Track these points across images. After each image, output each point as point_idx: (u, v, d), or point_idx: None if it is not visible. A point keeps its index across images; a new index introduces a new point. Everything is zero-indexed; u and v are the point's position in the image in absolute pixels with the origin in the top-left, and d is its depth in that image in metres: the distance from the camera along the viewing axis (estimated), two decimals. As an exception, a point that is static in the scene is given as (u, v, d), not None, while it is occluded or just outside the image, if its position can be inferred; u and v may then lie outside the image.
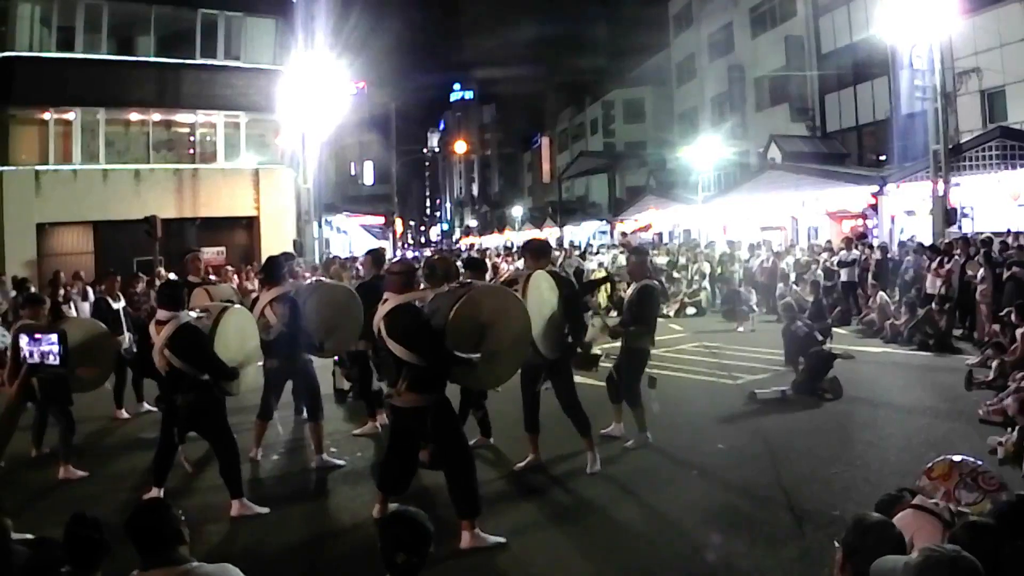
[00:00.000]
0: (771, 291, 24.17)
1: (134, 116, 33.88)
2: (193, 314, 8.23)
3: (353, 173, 73.94)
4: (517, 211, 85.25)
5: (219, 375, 7.97)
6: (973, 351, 16.33)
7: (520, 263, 29.60)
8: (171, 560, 3.82)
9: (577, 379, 9.37)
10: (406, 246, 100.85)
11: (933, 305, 18.15)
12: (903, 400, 12.75)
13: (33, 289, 14.54)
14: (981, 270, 17.72)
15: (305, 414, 11.33)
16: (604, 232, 55.89)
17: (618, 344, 10.59)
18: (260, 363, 9.80)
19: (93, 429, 12.08)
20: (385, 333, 7.01)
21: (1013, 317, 13.70)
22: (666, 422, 10.86)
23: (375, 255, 12.46)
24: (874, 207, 29.84)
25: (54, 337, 9.01)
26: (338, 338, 10.66)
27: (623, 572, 6.66)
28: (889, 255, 23.38)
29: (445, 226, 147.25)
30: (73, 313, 16.42)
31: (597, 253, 35.01)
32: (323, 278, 13.42)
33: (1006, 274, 17.07)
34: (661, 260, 29.63)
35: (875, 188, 29.39)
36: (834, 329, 17.53)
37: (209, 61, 34.05)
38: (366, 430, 11.21)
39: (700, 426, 11.32)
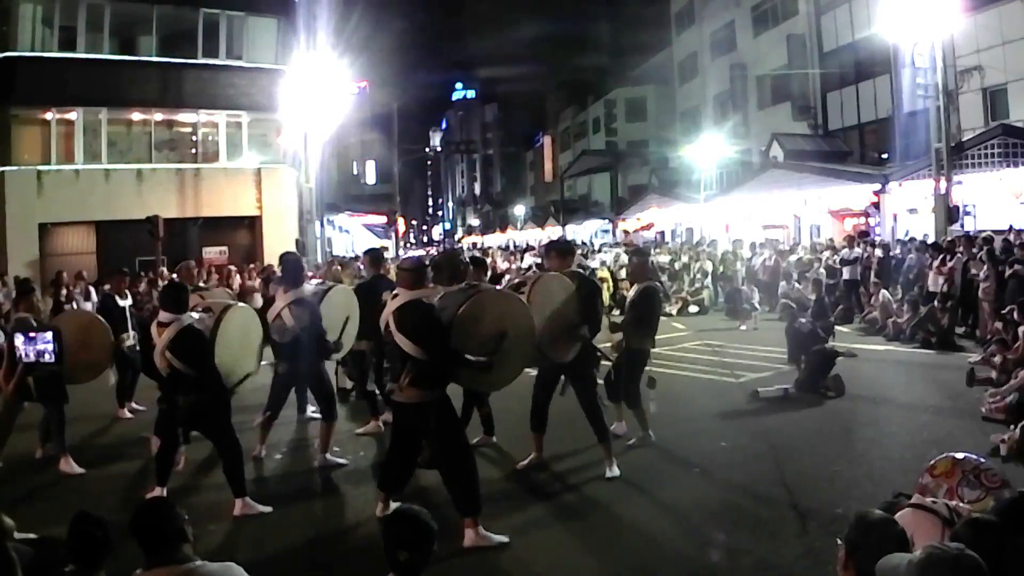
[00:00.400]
0: (773, 289, 24.17)
1: (136, 116, 33.88)
2: (195, 315, 8.24)
3: (355, 172, 74.00)
4: (519, 210, 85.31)
5: (213, 383, 7.97)
6: (975, 349, 16.31)
7: (523, 262, 29.77)
8: (174, 559, 3.82)
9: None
10: (409, 245, 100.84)
11: (935, 303, 18.14)
12: (905, 398, 12.76)
13: (37, 296, 14.61)
14: (983, 268, 17.72)
15: (309, 413, 11.39)
16: (606, 231, 55.96)
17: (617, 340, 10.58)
18: (265, 362, 9.82)
19: (95, 428, 12.09)
20: (394, 327, 7.00)
21: (1016, 315, 13.69)
22: (668, 420, 10.86)
23: (373, 255, 12.43)
24: (876, 205, 29.85)
25: (49, 335, 9.09)
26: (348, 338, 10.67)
27: (626, 570, 6.66)
28: (891, 253, 23.38)
29: (447, 225, 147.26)
30: (74, 312, 16.44)
31: (599, 251, 35.00)
32: (324, 280, 13.41)
33: (1008, 272, 17.06)
34: (663, 259, 29.65)
35: (877, 186, 29.39)
36: (836, 327, 17.51)
37: (211, 61, 34.04)
38: (369, 429, 11.21)
39: (702, 424, 11.32)
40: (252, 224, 35.73)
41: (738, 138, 45.52)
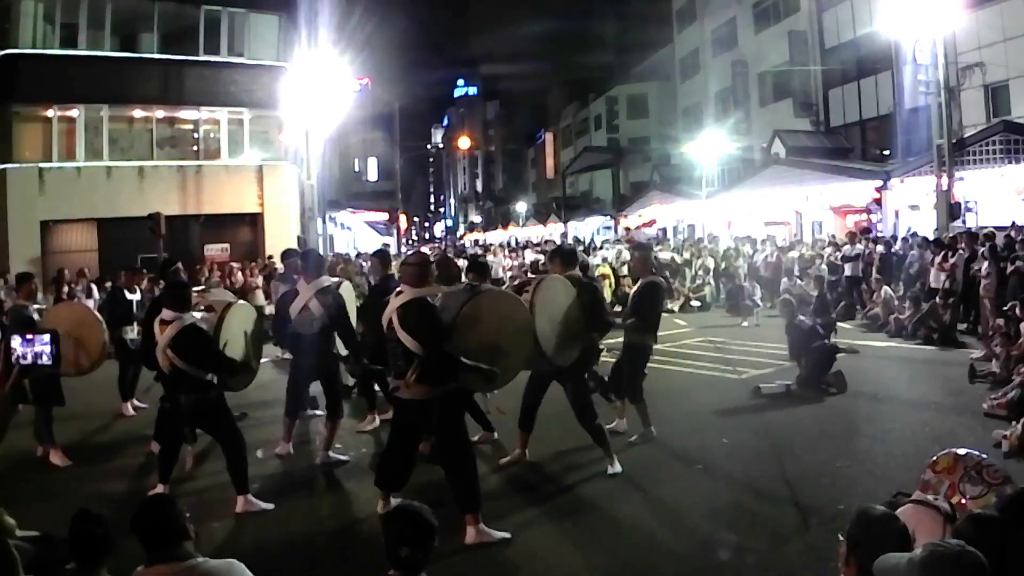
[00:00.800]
0: (775, 286, 24.16)
1: (138, 113, 33.82)
2: (197, 314, 8.24)
3: (357, 169, 74.04)
4: (521, 207, 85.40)
5: (225, 372, 7.99)
6: (977, 345, 16.33)
7: (525, 259, 29.78)
8: (176, 556, 3.83)
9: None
10: (411, 242, 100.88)
11: (937, 299, 18.13)
12: (907, 394, 12.76)
13: (36, 285, 14.56)
14: (985, 264, 17.71)
15: (310, 411, 11.39)
16: (608, 228, 55.92)
17: (619, 339, 10.59)
18: (265, 359, 9.83)
19: (97, 425, 12.10)
20: (398, 324, 7.02)
21: (1018, 311, 13.69)
22: (670, 417, 10.88)
23: (383, 257, 12.42)
24: (878, 202, 29.84)
25: (47, 337, 9.07)
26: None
27: (627, 567, 6.66)
28: (893, 250, 23.38)
29: (449, 222, 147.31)
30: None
31: (601, 248, 34.99)
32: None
33: (1010, 268, 17.05)
34: (665, 255, 29.64)
35: (879, 183, 29.39)
36: (838, 324, 17.52)
37: (213, 58, 33.98)
38: (365, 426, 11.24)
39: (704, 421, 11.33)
40: (254, 221, 35.70)
41: (740, 135, 45.49)
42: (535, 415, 9.37)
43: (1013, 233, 19.95)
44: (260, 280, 22.91)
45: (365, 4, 44.34)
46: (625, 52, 76.54)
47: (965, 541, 3.08)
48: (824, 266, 23.40)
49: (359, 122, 57.40)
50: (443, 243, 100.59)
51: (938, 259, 19.35)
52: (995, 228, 20.59)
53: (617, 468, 8.84)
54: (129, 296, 13.41)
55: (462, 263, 15.85)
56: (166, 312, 7.93)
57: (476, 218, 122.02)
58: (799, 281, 23.59)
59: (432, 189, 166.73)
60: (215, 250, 33.81)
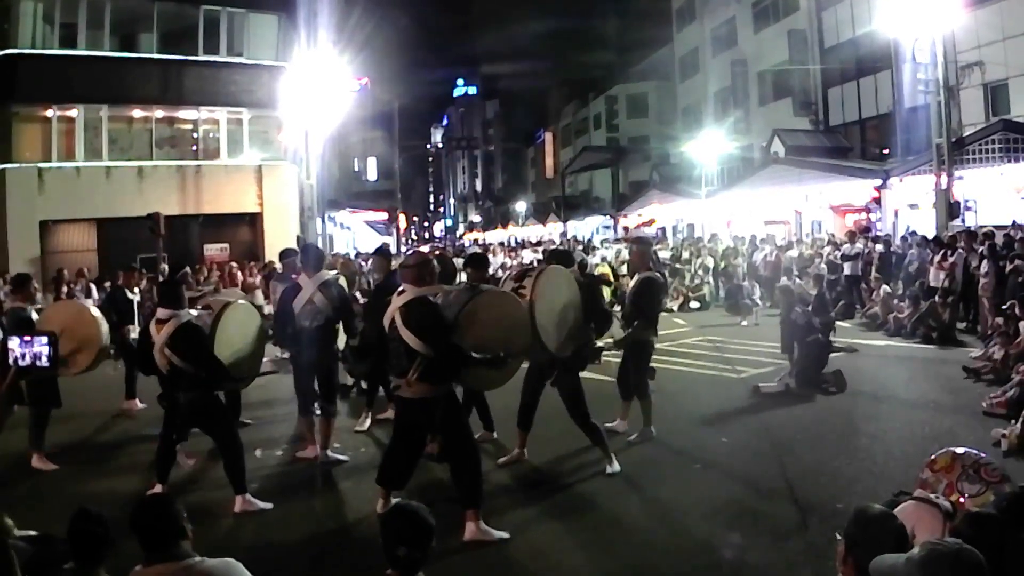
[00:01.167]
0: (774, 285, 24.14)
1: (137, 113, 33.86)
2: (194, 312, 8.24)
3: (356, 169, 74.02)
4: (521, 206, 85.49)
5: (217, 376, 7.97)
6: (976, 344, 16.33)
7: (523, 258, 29.79)
8: (174, 555, 3.83)
9: (581, 374, 9.37)
10: (410, 241, 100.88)
11: (936, 298, 18.12)
12: (906, 393, 12.77)
13: (36, 286, 14.55)
14: (984, 263, 17.71)
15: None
16: (608, 227, 55.93)
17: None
18: (265, 358, 9.82)
19: (97, 424, 12.10)
20: (400, 323, 7.03)
21: (1016, 310, 13.70)
22: (669, 416, 10.88)
23: (386, 254, 12.45)
24: (877, 201, 29.83)
25: (45, 339, 9.06)
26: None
27: (626, 565, 6.66)
28: (892, 248, 23.38)
29: (449, 222, 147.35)
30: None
31: (601, 246, 34.99)
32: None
33: (1009, 267, 17.05)
34: (664, 254, 29.66)
35: (878, 182, 29.39)
36: (838, 323, 17.52)
37: (212, 58, 34.02)
38: (362, 425, 11.25)
39: (703, 420, 11.33)
40: (253, 221, 35.73)
41: (739, 134, 45.48)
42: (533, 414, 9.38)
43: (1012, 232, 19.95)
44: (259, 280, 22.90)
45: (364, 4, 44.40)
46: (625, 51, 76.57)
47: (963, 540, 3.08)
48: (823, 265, 23.39)
49: (358, 122, 57.37)
50: (443, 242, 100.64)
51: (937, 258, 19.34)
52: (995, 227, 20.59)
53: (616, 467, 8.85)
54: (130, 295, 13.45)
55: (462, 263, 15.83)
56: (161, 311, 7.93)
57: (476, 217, 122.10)
58: (798, 280, 23.58)
59: (432, 188, 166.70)
60: (214, 250, 33.85)
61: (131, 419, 12.36)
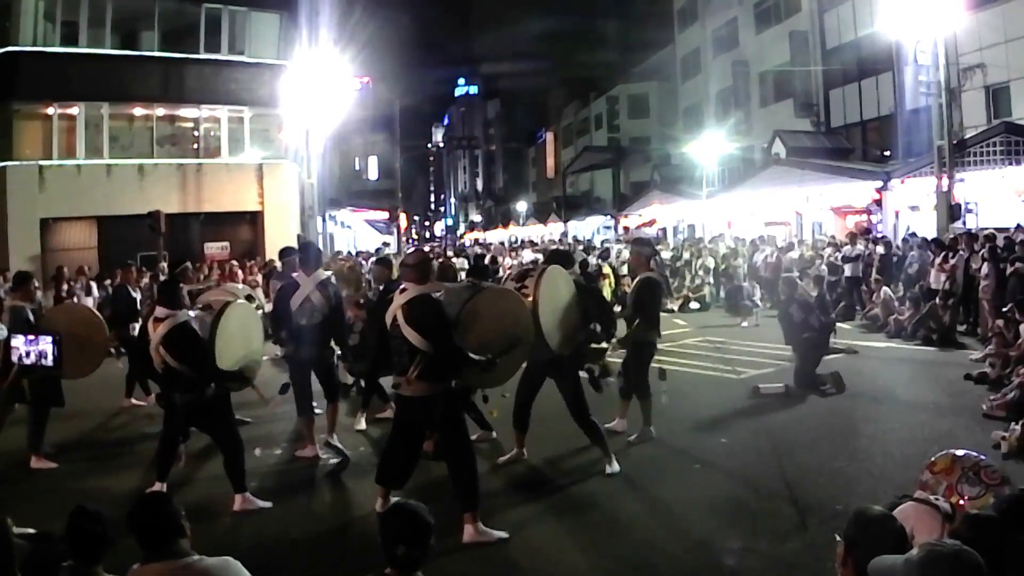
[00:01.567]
0: (775, 286, 24.11)
1: (138, 111, 33.85)
2: (193, 312, 8.24)
3: (357, 168, 73.93)
4: (521, 206, 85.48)
5: (211, 379, 7.96)
6: (977, 346, 16.33)
7: (524, 258, 29.81)
8: (172, 554, 3.83)
9: (582, 373, 9.37)
10: (410, 240, 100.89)
11: (937, 300, 18.11)
12: (906, 395, 12.76)
13: (37, 284, 14.53)
14: (984, 266, 17.70)
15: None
16: (608, 227, 55.93)
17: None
18: (265, 357, 9.83)
19: (97, 422, 12.11)
20: (402, 320, 7.04)
21: (1016, 313, 13.70)
22: (669, 416, 10.87)
23: (387, 263, 12.54)
24: (878, 202, 29.81)
25: (50, 338, 9.07)
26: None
27: (625, 566, 6.66)
28: (893, 250, 23.38)
29: (449, 221, 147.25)
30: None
31: (602, 249, 34.96)
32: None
33: (1009, 270, 17.04)
34: (665, 255, 29.66)
35: (879, 183, 29.34)
36: (838, 324, 17.51)
37: (213, 56, 34.00)
38: (358, 423, 11.26)
39: (703, 420, 11.33)
40: (254, 220, 35.73)
41: (740, 135, 45.42)
42: (529, 414, 9.37)
43: (1013, 235, 19.92)
44: (260, 278, 22.89)
45: (366, 3, 44.34)
46: (626, 52, 76.52)
47: (962, 542, 3.08)
48: (824, 266, 23.37)
49: (360, 121, 57.30)
50: (443, 242, 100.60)
51: (938, 260, 19.33)
52: (996, 229, 20.57)
53: (615, 467, 8.85)
54: (133, 293, 13.49)
55: (462, 262, 15.84)
56: (159, 310, 7.94)
57: (476, 217, 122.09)
58: (799, 281, 23.56)
59: (432, 188, 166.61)
60: (215, 248, 33.84)
61: (130, 417, 12.37)
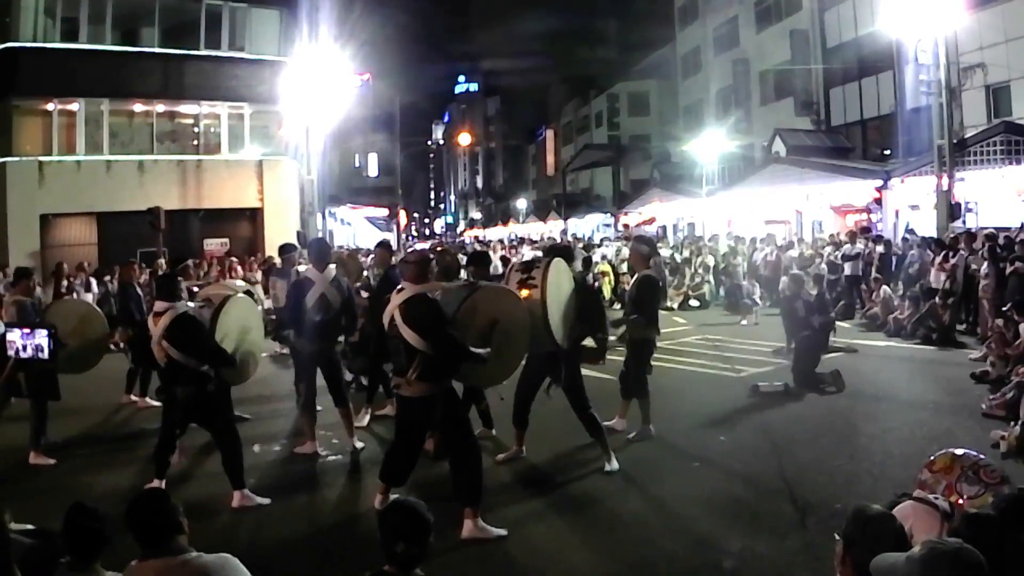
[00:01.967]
0: (775, 285, 24.12)
1: (138, 107, 33.83)
2: (192, 304, 8.23)
3: (357, 165, 74.01)
4: (521, 203, 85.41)
5: (219, 363, 7.97)
6: (976, 345, 16.32)
7: (523, 255, 29.81)
8: (170, 550, 3.82)
9: (584, 372, 9.37)
10: (411, 238, 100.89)
11: (937, 299, 18.11)
12: (906, 394, 12.75)
13: (37, 280, 14.59)
14: (984, 265, 17.69)
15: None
16: (608, 225, 55.91)
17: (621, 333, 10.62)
18: (264, 354, 9.82)
19: (95, 420, 12.09)
20: (400, 320, 7.03)
21: (1014, 314, 13.70)
22: (668, 414, 10.87)
23: (387, 247, 12.56)
24: (878, 201, 29.80)
25: (46, 331, 9.08)
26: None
27: (624, 564, 6.66)
28: (893, 249, 23.38)
29: (449, 218, 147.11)
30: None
31: (600, 245, 34.96)
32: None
33: (1009, 269, 17.03)
34: (665, 252, 29.65)
35: (879, 182, 29.34)
36: (837, 323, 17.50)
37: (213, 52, 33.98)
38: (360, 420, 11.24)
39: (702, 418, 11.31)
40: (254, 216, 35.74)
41: (740, 133, 45.42)
42: (529, 411, 9.37)
43: (1012, 234, 19.91)
44: (259, 275, 22.89)
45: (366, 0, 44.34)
46: (626, 49, 76.50)
47: (962, 540, 3.07)
48: (824, 265, 23.37)
49: (360, 118, 57.31)
50: (443, 239, 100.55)
51: (938, 259, 19.32)
52: (997, 229, 20.57)
53: (615, 465, 8.85)
54: (138, 289, 13.50)
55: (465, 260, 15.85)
56: (158, 304, 7.94)
57: (476, 214, 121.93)
58: (805, 277, 23.56)
59: (432, 185, 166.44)
60: (214, 245, 33.86)
61: (130, 415, 12.38)
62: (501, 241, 47.34)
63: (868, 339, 18.18)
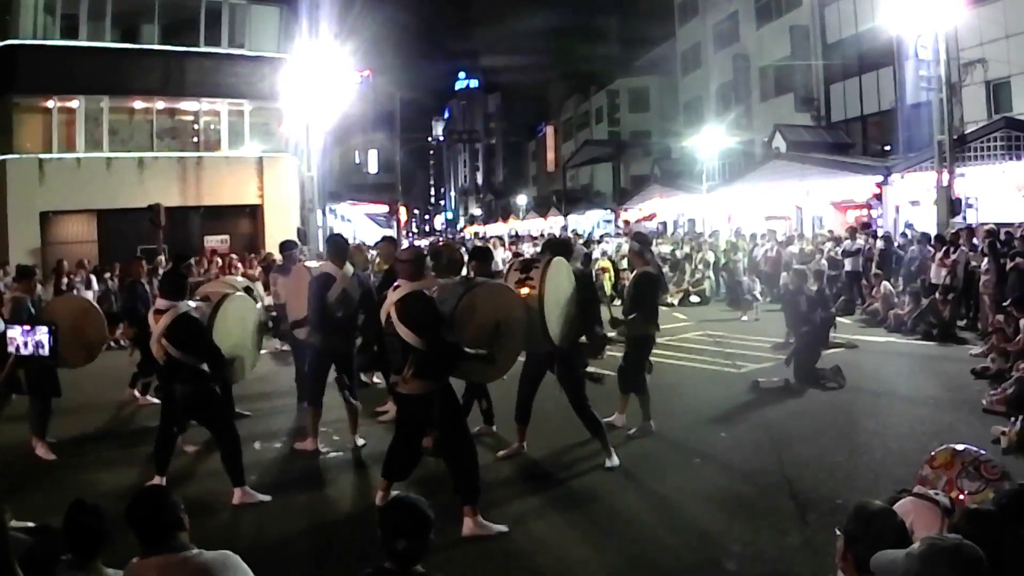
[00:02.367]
0: (775, 280, 24.13)
1: (138, 104, 33.82)
2: (192, 303, 8.23)
3: (357, 161, 73.93)
4: (522, 200, 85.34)
5: (216, 364, 7.97)
6: (976, 341, 16.32)
7: (524, 252, 29.81)
8: (171, 547, 3.82)
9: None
10: (411, 234, 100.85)
11: (937, 295, 18.11)
12: (906, 389, 12.75)
13: (39, 277, 14.63)
14: (984, 260, 17.69)
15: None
16: (608, 221, 55.93)
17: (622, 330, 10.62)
18: (264, 351, 9.82)
19: (96, 417, 12.08)
20: (396, 318, 7.02)
21: (1014, 310, 13.70)
22: (669, 410, 10.88)
23: (393, 240, 12.60)
24: (879, 197, 29.80)
25: (46, 328, 9.09)
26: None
27: (625, 560, 6.66)
28: (893, 245, 23.38)
29: (449, 215, 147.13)
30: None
31: (600, 242, 34.95)
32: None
33: (1009, 265, 17.02)
34: (665, 248, 29.65)
35: (880, 178, 29.35)
36: (838, 319, 17.50)
37: (213, 49, 33.98)
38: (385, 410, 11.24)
39: (703, 414, 11.32)
40: (254, 213, 35.74)
41: (741, 129, 45.42)
42: (530, 407, 9.38)
43: (1013, 229, 19.89)
44: (259, 271, 22.88)
45: (366, -4, 44.28)
46: (626, 46, 76.48)
47: (963, 536, 3.08)
48: (824, 261, 23.36)
49: (360, 114, 57.27)
50: (443, 235, 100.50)
51: (939, 255, 19.31)
52: (997, 224, 20.54)
53: (615, 461, 8.86)
54: (148, 287, 13.51)
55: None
56: (160, 302, 7.94)
57: (476, 211, 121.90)
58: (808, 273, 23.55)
59: (432, 181, 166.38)
60: (215, 241, 33.85)
61: (132, 412, 12.39)
62: (500, 238, 47.29)
63: (868, 335, 18.17)
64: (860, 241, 23.68)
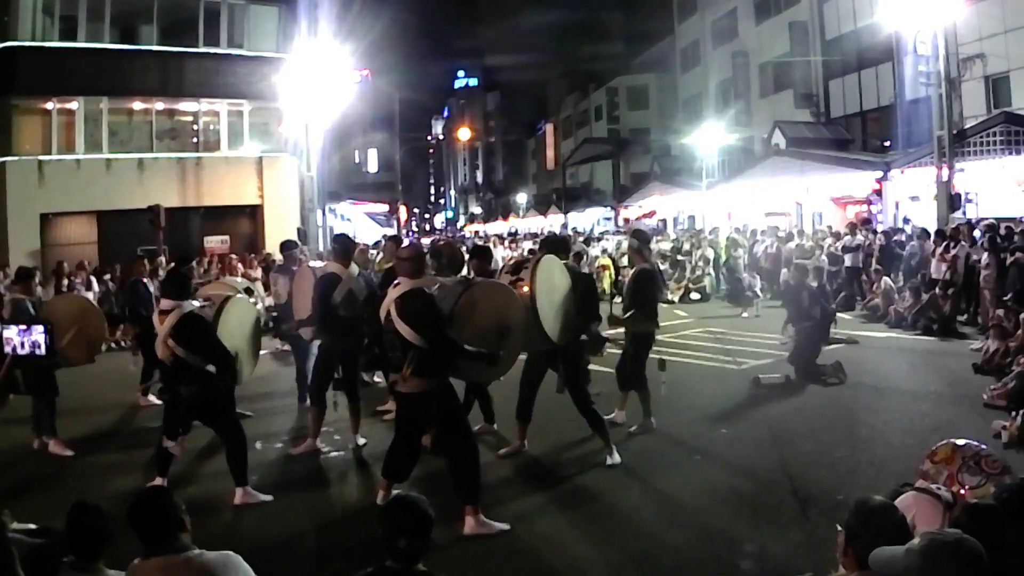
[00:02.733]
0: (776, 277, 24.12)
1: (137, 105, 33.83)
2: (196, 303, 8.23)
3: (357, 161, 73.96)
4: (521, 198, 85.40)
5: (224, 364, 7.97)
6: (977, 336, 16.32)
7: (524, 250, 29.85)
8: (173, 548, 3.82)
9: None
10: (411, 233, 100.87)
11: (937, 290, 18.11)
12: (907, 384, 12.75)
13: (38, 279, 14.58)
14: (985, 255, 17.69)
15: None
16: (608, 219, 55.94)
17: (623, 329, 10.61)
18: (264, 351, 9.82)
19: (97, 418, 12.07)
20: (396, 315, 7.02)
21: (1014, 304, 13.70)
22: (670, 407, 10.86)
23: (398, 240, 12.62)
24: (878, 193, 29.80)
25: (42, 328, 9.09)
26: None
27: (626, 557, 6.66)
28: (893, 240, 23.37)
29: (449, 213, 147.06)
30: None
31: (600, 239, 34.95)
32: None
33: (1009, 259, 17.02)
34: (665, 246, 29.64)
35: (879, 174, 29.36)
36: (838, 314, 17.49)
37: (212, 49, 33.99)
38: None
39: (704, 411, 11.32)
40: (254, 213, 35.77)
41: (740, 126, 45.45)
42: (532, 405, 9.39)
43: (1013, 224, 19.89)
44: (259, 272, 22.89)
45: (365, -5, 44.25)
46: (626, 43, 76.59)
47: (963, 531, 3.08)
48: (824, 257, 23.35)
49: (359, 113, 57.28)
50: (443, 234, 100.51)
51: (939, 250, 19.31)
52: (997, 219, 20.54)
53: (616, 459, 8.86)
54: (149, 287, 13.50)
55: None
56: (165, 302, 7.93)
57: (476, 209, 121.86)
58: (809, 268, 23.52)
59: (432, 180, 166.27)
60: (215, 242, 33.84)
61: (134, 412, 12.38)
62: (500, 236, 47.28)
63: (869, 330, 18.18)
64: (860, 237, 23.68)
